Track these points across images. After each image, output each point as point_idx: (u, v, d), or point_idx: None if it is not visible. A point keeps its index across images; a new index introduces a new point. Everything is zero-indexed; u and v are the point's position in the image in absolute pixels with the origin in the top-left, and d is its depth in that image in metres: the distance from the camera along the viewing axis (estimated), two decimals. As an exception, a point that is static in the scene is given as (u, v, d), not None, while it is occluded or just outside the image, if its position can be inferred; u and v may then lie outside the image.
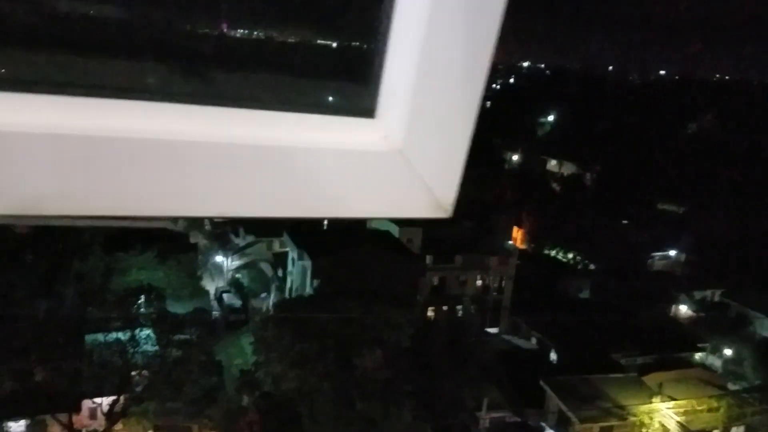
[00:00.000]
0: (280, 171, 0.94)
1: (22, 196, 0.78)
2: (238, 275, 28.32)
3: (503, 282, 31.29)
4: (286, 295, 26.12)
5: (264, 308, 24.15)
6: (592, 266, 37.71)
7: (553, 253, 39.47)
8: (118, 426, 17.46)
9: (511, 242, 36.85)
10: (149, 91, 0.85)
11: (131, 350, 17.85)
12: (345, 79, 1.03)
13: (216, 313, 24.15)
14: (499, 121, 51.01)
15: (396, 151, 1.03)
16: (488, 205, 38.05)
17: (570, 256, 38.95)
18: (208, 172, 0.88)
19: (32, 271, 20.82)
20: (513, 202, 41.42)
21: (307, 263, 25.20)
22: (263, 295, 27.14)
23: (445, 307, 27.72)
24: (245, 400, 18.40)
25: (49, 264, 21.25)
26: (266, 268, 28.57)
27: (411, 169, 1.04)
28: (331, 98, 1.04)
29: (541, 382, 22.16)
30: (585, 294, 33.57)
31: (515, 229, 38.61)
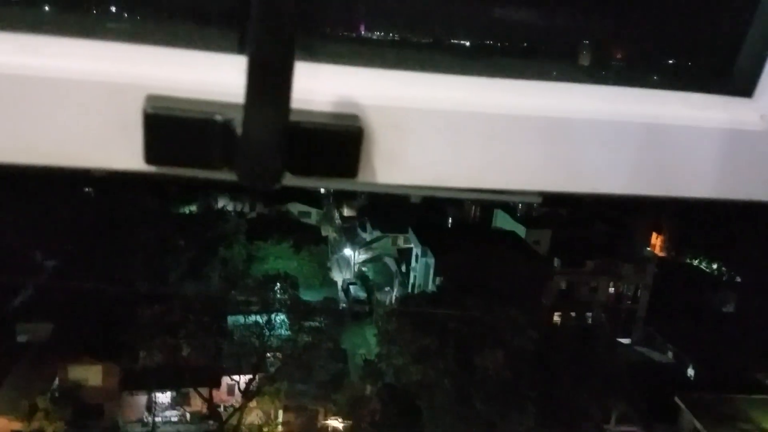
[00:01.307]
0: (651, 149, 0.92)
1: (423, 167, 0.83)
2: (364, 268, 29.04)
3: (639, 291, 29.72)
4: (409, 290, 26.44)
5: (387, 302, 24.62)
6: (738, 279, 34.87)
7: (695, 262, 36.91)
8: (253, 403, 18.57)
9: (649, 249, 34.87)
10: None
11: (267, 333, 18.92)
12: (723, 58, 1.01)
13: (343, 304, 24.99)
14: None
15: None
16: (626, 207, 36.16)
17: (714, 266, 36.21)
18: (586, 149, 0.89)
19: (184, 256, 22.58)
20: (653, 206, 39.12)
21: (431, 260, 25.34)
22: (387, 288, 27.66)
23: (573, 313, 26.77)
24: (368, 389, 18.91)
25: (199, 250, 22.98)
26: (391, 263, 29.06)
27: None
28: (706, 76, 1.04)
29: (676, 398, 20.85)
30: (729, 308, 31.06)
31: (654, 235, 36.45)
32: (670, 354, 28.60)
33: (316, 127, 0.71)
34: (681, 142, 0.91)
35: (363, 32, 0.86)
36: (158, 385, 20.54)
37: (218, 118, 0.67)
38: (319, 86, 0.74)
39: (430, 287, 26.05)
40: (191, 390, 20.55)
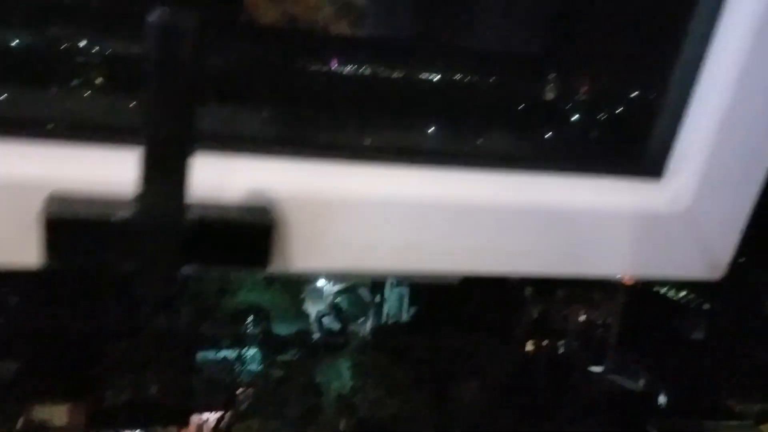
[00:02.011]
0: (563, 233, 1.00)
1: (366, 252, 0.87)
2: (337, 299, 28.93)
3: (609, 318, 30.03)
4: (383, 320, 26.31)
5: (362, 333, 24.45)
6: (706, 306, 35.41)
7: (663, 290, 37.46)
8: (223, 441, 18.15)
9: (619, 276, 35.20)
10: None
11: (238, 368, 18.62)
12: (633, 140, 1.06)
13: (316, 336, 24.72)
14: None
15: (682, 213, 1.05)
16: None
17: (682, 294, 36.80)
18: (495, 233, 0.95)
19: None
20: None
21: (405, 290, 25.33)
22: (361, 319, 27.49)
23: (545, 342, 26.85)
24: (343, 423, 18.66)
25: (167, 283, 22.51)
26: (365, 293, 28.99)
27: (694, 231, 1.06)
28: (615, 160, 1.09)
29: (648, 426, 20.95)
30: (698, 335, 31.48)
31: (622, 263, 36.80)
32: (641, 382, 28.88)
33: (223, 223, 0.72)
34: (593, 227, 0.96)
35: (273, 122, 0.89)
36: (125, 424, 20.19)
37: (117, 217, 0.67)
38: (231, 179, 0.76)
39: (404, 317, 26.03)
40: (159, 428, 20.16)
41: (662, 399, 23.73)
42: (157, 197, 0.64)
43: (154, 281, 0.69)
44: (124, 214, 0.69)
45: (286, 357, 20.12)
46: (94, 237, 0.70)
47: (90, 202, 0.72)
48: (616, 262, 1.01)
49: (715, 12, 0.91)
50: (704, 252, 1.08)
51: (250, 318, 21.31)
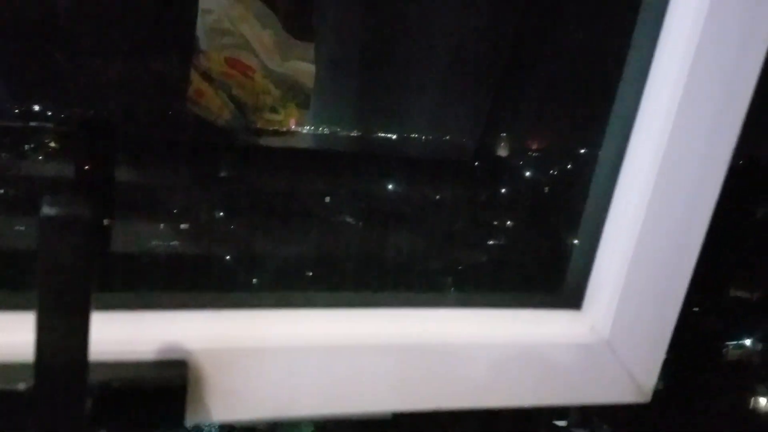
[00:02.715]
0: (487, 367, 1.02)
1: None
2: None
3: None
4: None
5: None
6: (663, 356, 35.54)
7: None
8: None
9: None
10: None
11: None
12: (551, 274, 1.09)
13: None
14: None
15: (602, 342, 1.09)
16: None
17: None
18: (421, 369, 0.97)
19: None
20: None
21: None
22: None
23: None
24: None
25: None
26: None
27: (616, 358, 1.10)
28: (535, 292, 1.12)
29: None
30: (658, 385, 31.61)
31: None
32: (605, 433, 28.86)
33: (132, 383, 0.70)
34: (517, 358, 1.00)
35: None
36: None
37: (13, 386, 0.64)
38: (139, 334, 0.76)
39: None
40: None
41: (626, 452, 23.63)
42: (55, 360, 0.60)
43: None
44: (22, 381, 0.68)
45: None
46: (2, 406, 0.67)
47: None
48: (544, 391, 1.04)
49: (618, 161, 0.99)
50: (629, 378, 1.12)
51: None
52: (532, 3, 1.81)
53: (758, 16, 0.93)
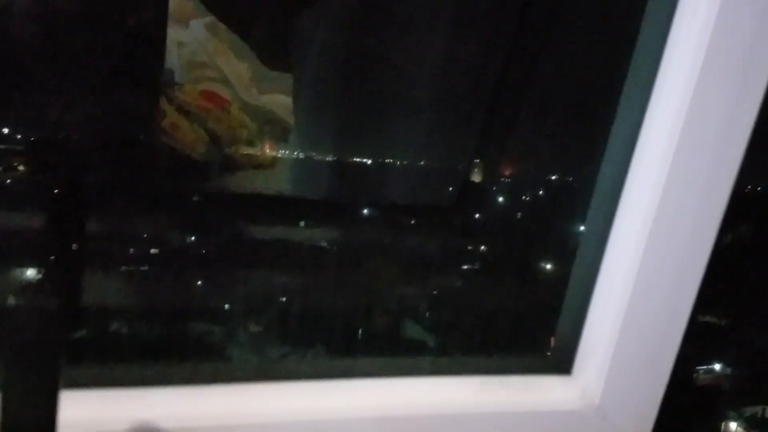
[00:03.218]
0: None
1: None
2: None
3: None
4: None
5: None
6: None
7: None
8: None
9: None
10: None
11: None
12: (539, 338, 1.04)
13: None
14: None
15: (593, 408, 1.06)
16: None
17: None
18: None
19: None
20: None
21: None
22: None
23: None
24: None
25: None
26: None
27: (608, 425, 1.07)
28: (524, 358, 1.07)
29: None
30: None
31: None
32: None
33: None
34: (510, 425, 0.97)
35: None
36: None
37: None
38: (111, 413, 0.72)
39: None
40: None
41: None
42: None
43: None
44: None
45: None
46: None
47: None
48: None
49: (608, 226, 0.98)
50: None
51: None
52: (518, 33, 1.82)
53: (747, 88, 0.93)
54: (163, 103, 1.97)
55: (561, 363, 1.04)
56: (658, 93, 0.96)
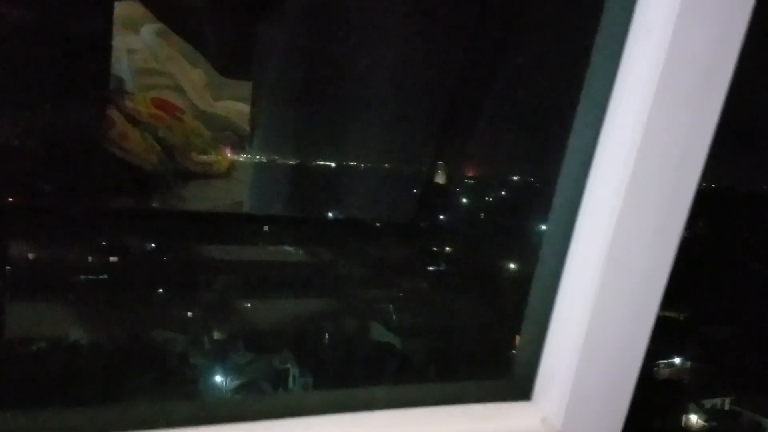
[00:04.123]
0: None
1: None
2: (237, 396, 27.55)
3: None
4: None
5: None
6: None
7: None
8: None
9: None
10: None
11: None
12: (499, 364, 0.99)
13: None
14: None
15: None
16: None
17: None
18: None
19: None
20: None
21: (309, 380, 24.57)
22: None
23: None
24: None
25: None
26: (266, 387, 27.84)
27: None
28: (484, 385, 1.03)
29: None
30: None
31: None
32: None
33: None
34: None
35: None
36: None
37: None
38: None
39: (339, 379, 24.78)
40: None
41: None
42: None
43: None
44: None
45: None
46: None
47: None
48: None
49: (565, 248, 0.96)
50: None
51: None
52: (481, 34, 1.81)
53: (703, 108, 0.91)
54: (112, 113, 1.90)
55: (520, 389, 1.01)
56: (619, 94, 0.94)
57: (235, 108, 2.16)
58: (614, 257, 0.92)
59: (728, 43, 0.91)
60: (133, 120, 1.93)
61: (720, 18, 0.88)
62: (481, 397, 0.96)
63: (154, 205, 1.62)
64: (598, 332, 0.93)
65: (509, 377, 1.00)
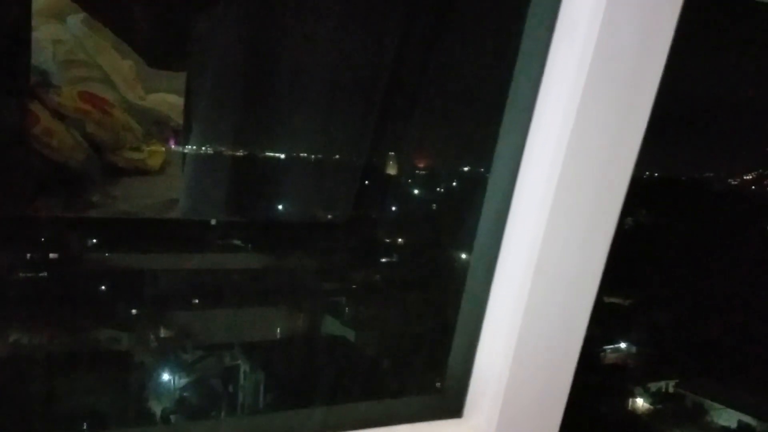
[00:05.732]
0: None
1: None
2: (186, 393, 27.18)
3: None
4: (238, 411, 24.93)
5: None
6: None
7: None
8: None
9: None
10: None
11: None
12: (428, 382, 0.96)
13: (165, 436, 22.81)
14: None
15: None
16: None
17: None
18: None
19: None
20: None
21: (260, 376, 24.39)
22: (213, 413, 25.93)
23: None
24: None
25: None
26: (216, 384, 27.51)
27: None
28: (414, 403, 0.99)
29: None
30: None
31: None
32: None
33: None
34: None
35: None
36: None
37: None
38: None
39: (261, 405, 24.81)
40: None
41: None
42: None
43: None
44: None
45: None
46: None
47: None
48: None
49: (494, 257, 0.95)
50: None
51: (85, 425, 19.34)
52: (413, 24, 1.79)
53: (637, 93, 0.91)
54: (36, 107, 1.81)
55: (451, 405, 0.99)
56: (548, 85, 0.93)
57: (168, 100, 2.09)
58: (542, 267, 0.90)
59: (658, 37, 0.91)
60: (59, 115, 1.84)
61: (649, 11, 0.87)
62: (410, 416, 0.94)
63: (80, 205, 1.55)
64: (529, 343, 0.92)
65: (439, 393, 0.98)
